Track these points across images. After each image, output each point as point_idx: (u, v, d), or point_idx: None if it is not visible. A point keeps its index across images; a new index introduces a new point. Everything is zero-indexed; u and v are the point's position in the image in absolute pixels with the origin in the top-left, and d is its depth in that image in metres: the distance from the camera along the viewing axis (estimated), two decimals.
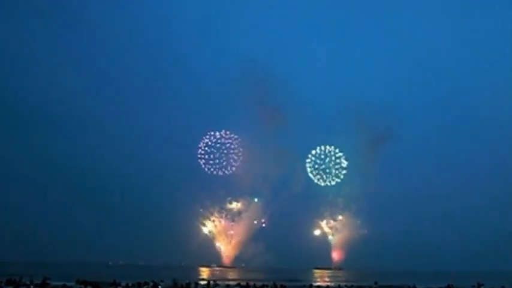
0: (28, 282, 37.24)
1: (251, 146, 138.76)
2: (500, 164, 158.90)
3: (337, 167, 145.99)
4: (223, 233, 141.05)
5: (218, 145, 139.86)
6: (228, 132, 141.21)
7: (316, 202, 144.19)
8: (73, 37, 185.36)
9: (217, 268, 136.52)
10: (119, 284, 36.90)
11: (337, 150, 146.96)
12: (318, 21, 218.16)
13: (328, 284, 55.07)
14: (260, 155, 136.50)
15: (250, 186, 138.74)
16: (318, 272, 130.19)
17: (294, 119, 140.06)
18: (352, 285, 48.02)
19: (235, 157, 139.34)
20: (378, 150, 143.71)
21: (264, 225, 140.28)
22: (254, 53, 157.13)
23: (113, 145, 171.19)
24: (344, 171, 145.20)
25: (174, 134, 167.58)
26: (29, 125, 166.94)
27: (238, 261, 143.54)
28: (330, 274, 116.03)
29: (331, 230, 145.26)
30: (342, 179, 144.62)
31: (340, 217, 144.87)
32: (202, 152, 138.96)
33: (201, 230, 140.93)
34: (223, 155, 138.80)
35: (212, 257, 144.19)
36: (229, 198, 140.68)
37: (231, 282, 47.63)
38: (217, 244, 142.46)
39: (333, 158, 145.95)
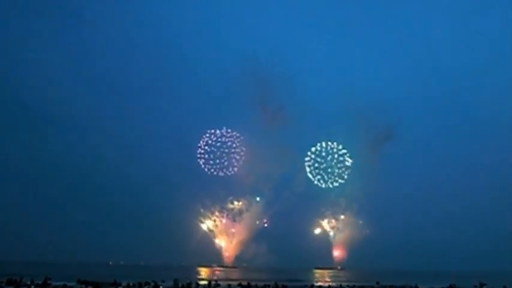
0: (29, 282, 37.08)
1: (252, 145, 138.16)
2: (501, 164, 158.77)
3: (340, 165, 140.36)
4: (224, 232, 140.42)
5: (219, 144, 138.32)
6: (229, 131, 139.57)
7: (317, 202, 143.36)
8: (73, 37, 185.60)
9: (219, 268, 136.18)
10: (120, 284, 36.73)
11: (340, 147, 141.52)
12: (319, 21, 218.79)
13: (330, 284, 54.81)
14: (261, 155, 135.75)
15: (252, 186, 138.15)
16: (319, 272, 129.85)
17: (295, 118, 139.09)
18: (353, 285, 47.86)
19: (237, 157, 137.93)
20: (380, 150, 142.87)
21: (266, 225, 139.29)
22: (255, 52, 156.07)
23: (113, 145, 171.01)
24: (348, 171, 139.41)
25: (174, 133, 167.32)
26: (29, 125, 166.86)
27: (239, 261, 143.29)
28: (331, 274, 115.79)
29: (333, 230, 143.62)
30: (345, 180, 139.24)
31: (342, 217, 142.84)
32: (202, 151, 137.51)
33: (200, 227, 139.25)
34: (224, 154, 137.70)
35: (213, 257, 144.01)
36: (231, 198, 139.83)
37: (232, 282, 47.41)
38: (217, 241, 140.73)
39: (336, 155, 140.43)
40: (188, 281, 41.18)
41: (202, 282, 43.85)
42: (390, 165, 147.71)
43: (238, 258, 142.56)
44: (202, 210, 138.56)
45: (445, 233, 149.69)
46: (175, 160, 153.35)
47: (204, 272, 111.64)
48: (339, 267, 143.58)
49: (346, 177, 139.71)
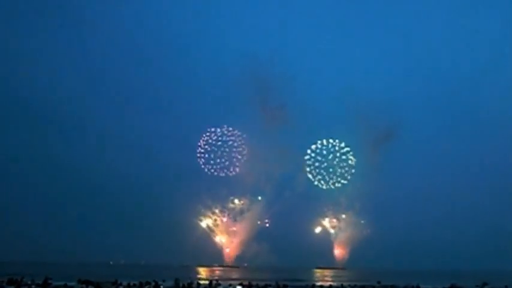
0: (29, 282, 36.97)
1: (253, 145, 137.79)
2: (503, 163, 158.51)
3: (343, 164, 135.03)
4: (224, 231, 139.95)
5: (220, 143, 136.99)
6: (230, 129, 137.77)
7: (319, 201, 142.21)
8: (73, 36, 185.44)
9: (220, 268, 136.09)
10: (121, 284, 36.63)
11: (342, 145, 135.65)
12: (319, 20, 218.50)
13: (331, 283, 54.66)
14: (262, 155, 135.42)
15: (253, 185, 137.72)
16: (320, 272, 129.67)
17: (295, 118, 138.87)
18: (355, 285, 47.64)
19: (239, 156, 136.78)
20: (380, 149, 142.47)
21: (267, 225, 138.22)
22: (255, 51, 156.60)
23: (113, 145, 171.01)
24: (351, 171, 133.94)
25: (174, 133, 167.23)
26: (29, 124, 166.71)
27: (240, 261, 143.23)
28: (332, 273, 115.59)
29: (334, 229, 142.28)
30: (349, 180, 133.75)
31: (343, 216, 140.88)
32: (202, 150, 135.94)
33: (200, 226, 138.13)
34: (224, 153, 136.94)
35: (214, 257, 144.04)
36: (232, 198, 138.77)
37: (233, 282, 47.29)
38: (218, 239, 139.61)
39: (338, 154, 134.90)
40: (189, 281, 41.05)
41: (203, 282, 43.68)
42: (391, 165, 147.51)
43: (239, 258, 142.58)
44: (202, 210, 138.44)
45: (446, 233, 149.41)
46: (176, 160, 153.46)
47: (204, 271, 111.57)
48: (341, 267, 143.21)
49: (349, 177, 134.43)
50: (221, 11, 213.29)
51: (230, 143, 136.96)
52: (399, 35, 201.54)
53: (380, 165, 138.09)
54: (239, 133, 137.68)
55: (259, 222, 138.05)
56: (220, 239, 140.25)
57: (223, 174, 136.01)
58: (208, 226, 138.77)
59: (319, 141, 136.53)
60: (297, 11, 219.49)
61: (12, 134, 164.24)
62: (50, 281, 36.72)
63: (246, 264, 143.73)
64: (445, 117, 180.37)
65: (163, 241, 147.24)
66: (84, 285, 33.41)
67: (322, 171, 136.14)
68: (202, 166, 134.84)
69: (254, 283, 43.45)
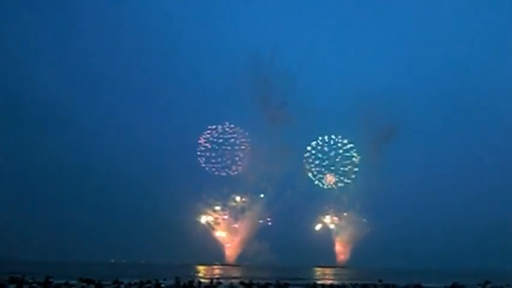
0: (31, 281, 37.01)
1: (254, 143, 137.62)
2: (505, 161, 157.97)
3: (346, 162, 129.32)
4: (226, 230, 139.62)
5: (221, 140, 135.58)
6: (232, 126, 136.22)
7: (320, 200, 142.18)
8: (73, 35, 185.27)
9: (221, 266, 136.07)
10: (122, 283, 36.60)
11: (345, 141, 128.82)
12: (322, 18, 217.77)
13: (333, 282, 54.56)
14: (263, 153, 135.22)
15: (254, 184, 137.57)
16: (321, 270, 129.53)
17: (297, 116, 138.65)
18: (356, 284, 47.53)
19: (241, 154, 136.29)
20: (382, 148, 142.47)
21: (269, 223, 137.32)
22: (257, 49, 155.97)
23: (114, 144, 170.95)
24: (355, 169, 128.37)
25: (175, 132, 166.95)
26: (30, 124, 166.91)
27: (241, 260, 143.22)
28: (334, 272, 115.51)
29: (335, 227, 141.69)
30: (352, 179, 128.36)
31: (344, 214, 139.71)
32: (203, 148, 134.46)
33: (199, 221, 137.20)
34: (226, 152, 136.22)
35: (215, 256, 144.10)
36: (233, 196, 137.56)
37: (234, 281, 47.24)
38: (219, 235, 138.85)
39: (340, 151, 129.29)
40: (190, 279, 41.04)
41: (203, 281, 43.68)
42: (392, 163, 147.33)
43: (240, 257, 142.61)
44: (203, 208, 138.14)
45: (447, 232, 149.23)
46: (177, 158, 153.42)
47: (205, 270, 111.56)
48: (342, 265, 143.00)
49: (353, 176, 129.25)
50: (222, 9, 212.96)
51: (232, 140, 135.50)
52: (401, 33, 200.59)
53: (381, 163, 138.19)
54: (241, 130, 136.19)
55: (261, 221, 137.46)
56: (220, 234, 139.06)
57: (225, 174, 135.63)
58: (208, 222, 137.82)
59: (320, 137, 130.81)
60: (299, 9, 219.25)
61: (12, 134, 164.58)
62: (51, 280, 36.74)
63: (246, 263, 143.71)
64: (446, 116, 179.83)
65: (164, 240, 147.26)
66: (85, 284, 33.39)
67: (323, 169, 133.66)
68: (203, 165, 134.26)
69: (255, 282, 43.36)
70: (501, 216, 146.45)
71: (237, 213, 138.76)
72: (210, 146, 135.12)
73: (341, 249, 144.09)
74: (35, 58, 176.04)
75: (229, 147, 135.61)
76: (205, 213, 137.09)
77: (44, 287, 32.94)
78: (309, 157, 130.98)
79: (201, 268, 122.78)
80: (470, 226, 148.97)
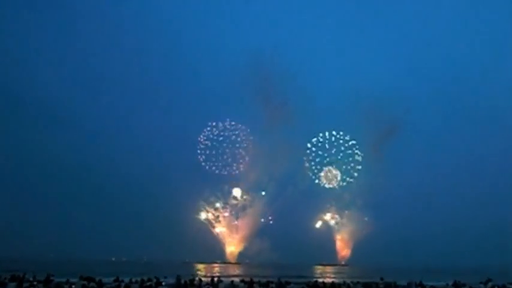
0: (31, 279, 36.94)
1: (256, 141, 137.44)
2: (507, 159, 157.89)
3: (348, 160, 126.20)
4: (226, 228, 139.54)
5: (221, 138, 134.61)
6: (233, 123, 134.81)
7: (322, 198, 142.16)
8: (73, 35, 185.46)
9: (222, 264, 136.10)
10: (122, 281, 36.51)
11: (347, 138, 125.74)
12: (323, 15, 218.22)
13: (334, 280, 54.47)
14: (265, 151, 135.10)
15: (255, 182, 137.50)
16: (323, 269, 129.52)
17: (299, 114, 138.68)
18: (357, 282, 47.35)
19: (243, 152, 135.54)
20: (384, 145, 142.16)
21: (271, 221, 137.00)
22: (258, 47, 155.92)
23: (114, 142, 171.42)
24: (359, 167, 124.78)
25: (176, 131, 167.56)
26: (30, 124, 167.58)
27: (242, 258, 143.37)
28: (335, 270, 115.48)
29: (337, 226, 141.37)
30: (356, 178, 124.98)
31: (346, 212, 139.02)
32: (203, 146, 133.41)
33: (199, 216, 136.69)
34: (227, 150, 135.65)
35: (215, 254, 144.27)
36: (234, 189, 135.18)
37: (235, 279, 47.13)
38: (219, 232, 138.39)
39: (342, 148, 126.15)
40: (191, 277, 40.94)
41: (204, 279, 43.58)
42: (393, 161, 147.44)
43: (241, 255, 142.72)
44: (204, 205, 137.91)
45: (449, 230, 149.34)
46: (177, 158, 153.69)
47: (206, 268, 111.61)
48: (343, 263, 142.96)
49: (356, 174, 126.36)
50: (222, 9, 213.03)
51: (233, 137, 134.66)
52: (401, 33, 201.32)
53: (383, 161, 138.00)
54: (243, 127, 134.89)
55: (262, 220, 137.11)
56: (220, 230, 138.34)
57: (226, 173, 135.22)
58: (208, 219, 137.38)
59: (320, 134, 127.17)
60: (299, 9, 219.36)
61: (12, 134, 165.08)
62: (51, 278, 36.67)
63: (247, 261, 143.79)
64: (446, 116, 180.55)
65: (165, 238, 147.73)
66: (85, 282, 33.30)
67: (324, 167, 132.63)
68: (203, 163, 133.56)
69: (256, 280, 43.24)
70: (501, 216, 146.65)
71: (238, 211, 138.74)
72: (210, 144, 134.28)
73: (342, 248, 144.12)
74: (35, 58, 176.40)
75: (230, 145, 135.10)
76: (206, 211, 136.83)
77: (44, 285, 32.86)
78: (309, 154, 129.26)
79: (201, 266, 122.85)
80: (470, 225, 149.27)
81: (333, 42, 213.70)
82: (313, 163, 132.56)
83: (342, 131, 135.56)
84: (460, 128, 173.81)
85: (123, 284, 33.81)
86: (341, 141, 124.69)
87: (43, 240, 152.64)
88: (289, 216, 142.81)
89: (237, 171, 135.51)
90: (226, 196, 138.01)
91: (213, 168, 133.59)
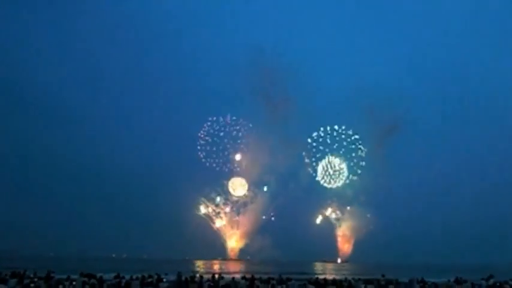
0: (32, 275, 36.88)
1: (258, 137, 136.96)
2: (509, 156, 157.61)
3: (351, 155, 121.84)
4: (228, 224, 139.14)
5: (222, 134, 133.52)
6: (234, 118, 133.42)
7: (323, 195, 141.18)
8: (75, 32, 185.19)
9: (223, 261, 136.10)
10: (123, 277, 36.41)
11: (350, 132, 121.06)
12: (325, 11, 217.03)
13: (335, 276, 54.38)
14: (266, 147, 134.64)
15: (257, 178, 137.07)
16: (324, 265, 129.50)
17: (301, 109, 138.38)
18: (359, 278, 47.25)
19: (245, 149, 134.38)
20: (386, 142, 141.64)
21: (273, 218, 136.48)
22: (261, 43, 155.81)
23: (115, 140, 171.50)
24: (362, 163, 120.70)
25: (178, 128, 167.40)
26: (32, 122, 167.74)
27: (243, 254, 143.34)
28: (336, 267, 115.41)
29: (338, 223, 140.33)
30: (359, 175, 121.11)
31: (348, 208, 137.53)
32: (203, 142, 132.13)
33: (199, 211, 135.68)
34: (228, 146, 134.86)
35: (217, 251, 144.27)
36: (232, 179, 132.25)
37: (236, 275, 47.04)
38: (217, 223, 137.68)
39: (344, 143, 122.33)
40: (192, 274, 40.86)
41: (205, 276, 43.49)
42: (395, 158, 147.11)
43: (243, 252, 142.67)
44: (205, 201, 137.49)
45: (450, 227, 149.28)
46: (178, 155, 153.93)
47: (207, 265, 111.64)
48: (344, 260, 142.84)
49: (359, 171, 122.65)
50: (222, 9, 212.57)
51: (234, 133, 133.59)
52: (401, 33, 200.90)
53: (385, 158, 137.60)
54: (245, 122, 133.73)
55: (264, 217, 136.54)
56: (220, 223, 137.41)
57: (227, 170, 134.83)
58: (208, 215, 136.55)
59: (321, 128, 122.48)
60: (299, 9, 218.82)
61: (12, 133, 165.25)
62: (52, 275, 36.59)
63: (248, 257, 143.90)
64: (446, 116, 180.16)
65: (166, 235, 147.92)
66: (86, 279, 33.19)
67: (323, 160, 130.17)
68: (203, 160, 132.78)
69: (257, 276, 43.14)
70: (501, 215, 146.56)
71: (239, 207, 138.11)
72: (210, 140, 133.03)
73: (344, 245, 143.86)
74: (35, 58, 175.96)
75: (231, 141, 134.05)
76: (206, 205, 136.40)
77: (45, 282, 32.76)
78: (310, 149, 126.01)
79: (203, 263, 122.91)
80: (470, 225, 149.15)
81: (333, 42, 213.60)
82: (313, 159, 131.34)
83: (345, 127, 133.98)
84: (460, 128, 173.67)
85: (123, 281, 33.69)
86: (343, 136, 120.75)
87: (44, 238, 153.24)
88: (290, 213, 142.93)
89: (238, 168, 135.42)
90: (227, 192, 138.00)
91: (214, 165, 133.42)
